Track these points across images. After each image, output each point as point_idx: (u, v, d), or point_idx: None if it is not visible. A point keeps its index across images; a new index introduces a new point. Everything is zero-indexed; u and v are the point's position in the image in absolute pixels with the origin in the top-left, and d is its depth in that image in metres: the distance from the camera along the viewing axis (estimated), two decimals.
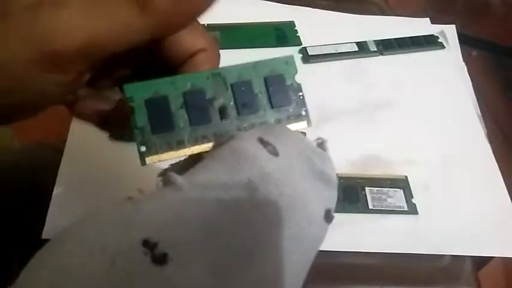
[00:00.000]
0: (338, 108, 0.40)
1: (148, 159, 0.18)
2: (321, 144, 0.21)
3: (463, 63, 0.46)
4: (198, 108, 0.19)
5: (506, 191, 0.36)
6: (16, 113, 0.19)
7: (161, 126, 0.18)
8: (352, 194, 0.34)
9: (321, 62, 0.43)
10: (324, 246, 0.32)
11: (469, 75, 0.45)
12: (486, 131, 0.40)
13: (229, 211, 0.17)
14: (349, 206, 0.34)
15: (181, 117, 0.18)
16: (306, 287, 0.30)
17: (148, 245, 0.16)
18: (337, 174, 0.32)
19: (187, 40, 0.20)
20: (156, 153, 0.18)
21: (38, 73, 0.17)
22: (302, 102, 0.21)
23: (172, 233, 0.16)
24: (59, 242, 0.17)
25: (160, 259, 0.16)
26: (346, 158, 0.36)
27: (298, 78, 0.21)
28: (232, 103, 0.19)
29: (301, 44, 0.44)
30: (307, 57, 0.43)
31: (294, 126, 0.21)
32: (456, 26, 0.48)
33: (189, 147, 0.18)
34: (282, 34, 0.45)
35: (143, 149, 0.18)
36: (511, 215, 0.35)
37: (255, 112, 0.19)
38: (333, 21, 0.47)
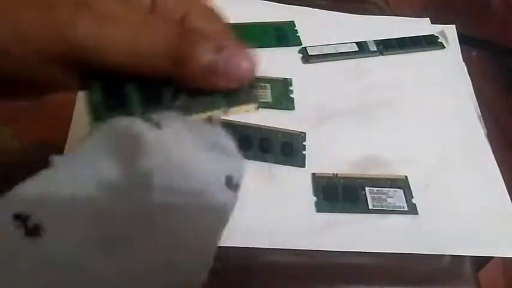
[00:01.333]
0: (338, 108, 0.40)
1: None
2: (209, 119, 0.20)
3: (463, 63, 0.46)
4: (150, 88, 0.19)
5: (506, 191, 0.36)
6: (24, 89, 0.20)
7: (114, 104, 0.18)
8: (352, 194, 0.34)
9: (321, 62, 0.43)
10: (324, 246, 0.32)
11: (469, 75, 0.45)
12: (486, 131, 0.40)
13: (106, 187, 0.17)
14: (349, 206, 0.34)
15: (134, 97, 0.19)
16: (306, 287, 0.30)
17: (20, 218, 0.15)
18: (337, 174, 0.32)
19: None
20: None
21: (51, 65, 0.17)
22: (251, 86, 0.20)
23: (46, 205, 0.16)
24: None
25: (33, 231, 0.15)
26: (346, 158, 0.36)
27: None
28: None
29: (301, 44, 0.44)
30: (307, 57, 0.43)
31: (243, 108, 0.20)
32: (456, 26, 0.48)
33: None
34: (282, 34, 0.45)
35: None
36: (511, 215, 0.35)
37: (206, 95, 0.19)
38: (333, 21, 0.47)
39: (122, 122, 0.18)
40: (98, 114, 0.18)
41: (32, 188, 0.17)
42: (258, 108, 0.20)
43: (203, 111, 0.19)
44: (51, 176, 0.17)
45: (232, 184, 0.19)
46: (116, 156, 0.17)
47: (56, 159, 0.17)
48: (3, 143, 0.38)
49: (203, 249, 0.18)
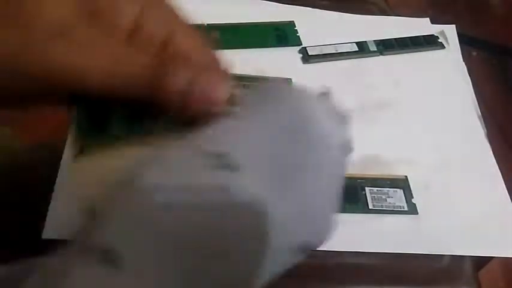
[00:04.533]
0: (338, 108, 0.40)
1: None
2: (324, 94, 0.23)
3: (463, 63, 0.46)
4: (133, 109, 0.19)
5: (506, 191, 0.36)
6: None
7: (98, 128, 0.19)
8: (352, 194, 0.34)
9: (321, 62, 0.43)
10: (324, 246, 0.32)
11: (469, 75, 0.45)
12: (486, 131, 0.40)
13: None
14: (349, 206, 0.34)
15: (118, 119, 0.19)
16: (306, 287, 0.30)
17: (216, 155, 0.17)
18: None
19: None
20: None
21: (31, 83, 0.18)
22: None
23: (239, 143, 0.18)
24: None
25: (229, 167, 0.17)
26: None
27: None
28: None
29: (301, 44, 0.44)
30: (307, 57, 0.43)
31: None
32: (456, 26, 0.48)
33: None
34: (282, 34, 0.45)
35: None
36: (511, 215, 0.35)
37: None
38: (333, 21, 0.47)
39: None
40: (83, 138, 0.19)
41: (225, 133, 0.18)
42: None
43: (176, 137, 0.19)
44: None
45: (345, 148, 0.23)
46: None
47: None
48: (3, 143, 0.38)
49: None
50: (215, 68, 0.20)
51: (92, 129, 0.19)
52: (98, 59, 0.18)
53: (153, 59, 0.18)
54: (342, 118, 0.23)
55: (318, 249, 0.32)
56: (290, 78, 0.41)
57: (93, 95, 0.18)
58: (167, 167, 0.17)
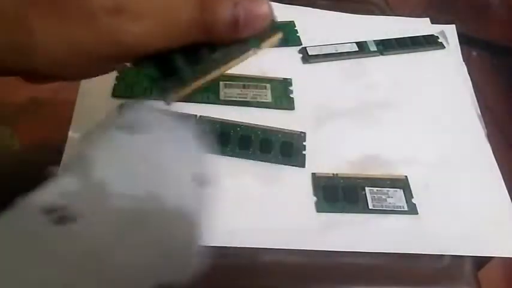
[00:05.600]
0: (338, 108, 0.40)
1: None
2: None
3: (463, 63, 0.46)
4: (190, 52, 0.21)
5: (506, 191, 0.36)
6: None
7: (168, 74, 0.21)
8: (352, 194, 0.34)
9: (321, 62, 0.43)
10: (324, 246, 0.32)
11: (469, 75, 0.45)
12: (486, 131, 0.40)
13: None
14: (349, 206, 0.34)
15: (181, 63, 0.22)
16: (306, 287, 0.30)
17: (52, 209, 0.17)
18: (337, 174, 0.33)
19: None
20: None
21: (102, 63, 0.20)
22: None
23: (76, 197, 0.18)
24: None
25: (63, 220, 0.17)
26: (346, 158, 0.36)
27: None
28: None
29: (301, 44, 0.44)
30: (307, 57, 0.43)
31: (271, 42, 0.23)
32: (456, 26, 0.48)
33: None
34: None
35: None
36: (511, 215, 0.35)
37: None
38: (333, 21, 0.47)
39: (99, 131, 0.20)
40: (159, 86, 0.21)
41: (62, 183, 0.19)
42: (283, 35, 0.23)
43: (238, 56, 0.22)
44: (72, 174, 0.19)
45: (201, 181, 0.20)
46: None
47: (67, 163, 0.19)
48: (3, 143, 0.38)
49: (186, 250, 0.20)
50: None
51: (163, 77, 0.21)
52: (154, 21, 0.19)
53: (194, 1, 0.20)
54: (199, 148, 0.22)
55: (317, 249, 0.32)
56: (290, 78, 0.41)
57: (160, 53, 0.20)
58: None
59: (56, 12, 0.18)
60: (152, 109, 0.22)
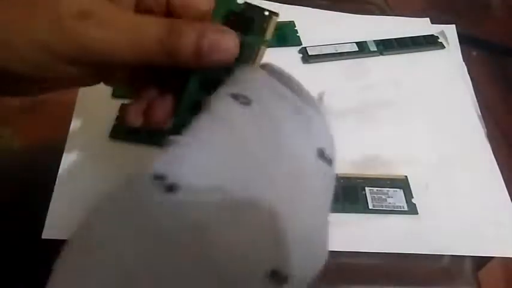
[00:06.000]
0: (338, 108, 0.40)
1: None
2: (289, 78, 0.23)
3: (463, 63, 0.46)
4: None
5: (506, 191, 0.36)
6: (41, 85, 0.22)
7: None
8: (352, 194, 0.34)
9: (321, 62, 0.43)
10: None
11: (469, 75, 0.45)
12: (486, 131, 0.40)
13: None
14: (349, 206, 0.34)
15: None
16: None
17: (159, 178, 0.17)
18: (337, 174, 0.32)
19: None
20: None
21: (68, 66, 0.20)
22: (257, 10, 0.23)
23: (182, 167, 0.18)
24: None
25: (170, 188, 0.17)
26: (346, 158, 0.36)
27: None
28: None
29: (301, 44, 0.44)
30: (307, 57, 0.43)
31: (272, 27, 0.24)
32: (456, 26, 0.48)
33: None
34: (282, 34, 0.45)
35: None
36: (511, 215, 0.35)
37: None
38: (333, 21, 0.47)
39: (218, 104, 0.20)
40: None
41: (169, 153, 0.19)
42: (278, 15, 0.24)
43: (251, 58, 0.23)
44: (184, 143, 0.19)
45: (324, 157, 0.21)
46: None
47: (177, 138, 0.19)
48: (3, 143, 0.38)
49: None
50: (214, 25, 0.21)
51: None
52: (119, 33, 0.20)
53: (163, 24, 0.20)
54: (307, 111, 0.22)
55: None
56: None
57: (123, 65, 0.20)
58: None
59: (23, 8, 0.19)
60: (268, 75, 0.22)
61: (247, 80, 0.22)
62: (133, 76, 0.24)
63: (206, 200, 0.18)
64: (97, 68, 0.21)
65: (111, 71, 0.23)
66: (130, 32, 0.20)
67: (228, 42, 0.21)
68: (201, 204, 0.17)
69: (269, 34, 0.23)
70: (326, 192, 0.21)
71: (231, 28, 0.21)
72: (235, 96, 0.20)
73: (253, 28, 0.22)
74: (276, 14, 0.23)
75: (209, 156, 0.19)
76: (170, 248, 0.17)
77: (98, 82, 0.24)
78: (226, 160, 0.19)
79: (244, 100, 0.20)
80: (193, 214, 0.17)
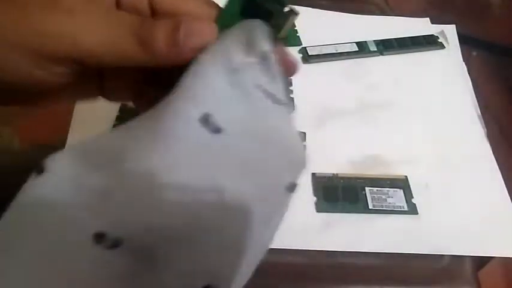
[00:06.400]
0: (338, 108, 0.40)
1: None
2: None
3: (463, 63, 0.46)
4: None
5: (506, 191, 0.36)
6: (13, 94, 0.21)
7: None
8: (352, 194, 0.34)
9: (321, 62, 0.43)
10: (324, 246, 0.32)
11: (469, 75, 0.45)
12: (486, 131, 0.40)
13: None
14: (349, 206, 0.34)
15: None
16: (306, 287, 0.30)
17: (204, 119, 0.18)
18: (337, 174, 0.33)
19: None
20: None
21: (31, 63, 0.19)
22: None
23: (224, 108, 0.18)
24: None
25: (216, 129, 0.18)
26: (346, 158, 0.36)
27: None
28: None
29: (301, 44, 0.44)
30: (307, 57, 0.43)
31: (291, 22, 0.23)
32: (456, 26, 0.48)
33: None
34: None
35: None
36: (511, 215, 0.35)
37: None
38: (333, 21, 0.47)
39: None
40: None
41: (210, 93, 0.18)
42: (298, 13, 0.23)
43: None
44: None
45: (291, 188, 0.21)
46: None
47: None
48: (3, 143, 0.38)
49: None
50: (191, 19, 0.20)
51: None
52: (89, 23, 0.19)
53: (136, 19, 0.19)
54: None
55: (317, 249, 0.32)
56: (290, 78, 0.41)
57: (90, 62, 0.19)
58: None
59: None
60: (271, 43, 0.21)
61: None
62: (131, 82, 0.23)
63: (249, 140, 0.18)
64: (87, 76, 0.20)
65: (105, 78, 0.23)
66: (100, 25, 0.19)
67: (203, 26, 0.20)
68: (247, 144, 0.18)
69: (284, 32, 0.22)
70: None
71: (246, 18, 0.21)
72: (203, 121, 0.19)
73: (270, 22, 0.22)
74: (296, 13, 0.22)
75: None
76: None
77: (95, 95, 0.23)
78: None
79: (213, 127, 0.19)
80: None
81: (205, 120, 0.18)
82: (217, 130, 0.18)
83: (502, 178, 0.37)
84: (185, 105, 0.18)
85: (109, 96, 0.23)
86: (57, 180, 0.18)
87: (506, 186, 0.36)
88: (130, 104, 0.24)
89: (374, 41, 0.45)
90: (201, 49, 0.20)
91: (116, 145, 0.18)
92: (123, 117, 0.37)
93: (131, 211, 0.17)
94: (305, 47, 0.44)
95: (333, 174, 0.35)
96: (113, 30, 0.19)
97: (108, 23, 0.19)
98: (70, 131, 0.35)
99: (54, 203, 0.17)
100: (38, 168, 0.18)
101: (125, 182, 0.17)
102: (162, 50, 0.19)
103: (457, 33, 0.47)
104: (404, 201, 0.34)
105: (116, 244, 0.17)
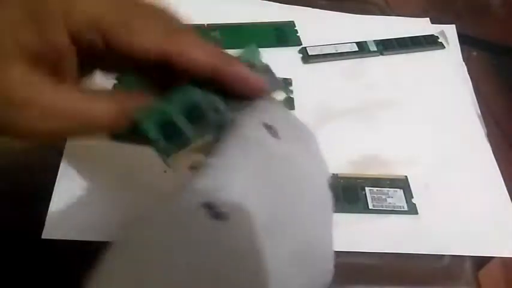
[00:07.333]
0: (338, 108, 0.40)
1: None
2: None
3: (463, 63, 0.46)
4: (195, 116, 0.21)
5: (506, 191, 0.36)
6: None
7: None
8: (352, 194, 0.34)
9: (321, 62, 0.43)
10: None
11: (469, 75, 0.45)
12: (486, 131, 0.40)
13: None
14: (349, 206, 0.34)
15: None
16: None
17: (208, 206, 0.18)
18: (337, 174, 0.33)
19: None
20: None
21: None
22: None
23: (229, 196, 0.18)
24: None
25: (219, 216, 0.18)
26: (346, 158, 0.36)
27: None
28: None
29: (301, 44, 0.44)
30: (307, 57, 0.43)
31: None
32: (456, 26, 0.48)
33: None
34: (282, 34, 0.45)
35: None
36: (511, 215, 0.35)
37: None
38: (333, 21, 0.47)
39: (248, 132, 0.20)
40: (159, 148, 0.20)
41: (210, 177, 0.19)
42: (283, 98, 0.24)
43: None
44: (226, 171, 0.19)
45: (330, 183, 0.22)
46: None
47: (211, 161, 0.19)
48: (3, 143, 0.38)
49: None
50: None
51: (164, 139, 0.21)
52: (63, 120, 0.18)
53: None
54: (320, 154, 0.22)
55: None
56: (290, 78, 0.41)
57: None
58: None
59: None
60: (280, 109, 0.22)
61: (271, 110, 0.22)
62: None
63: (250, 229, 0.18)
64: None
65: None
66: (77, 119, 0.19)
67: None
68: (246, 233, 0.18)
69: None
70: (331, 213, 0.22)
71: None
72: (267, 127, 0.20)
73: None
74: (281, 93, 0.23)
75: (249, 183, 0.19)
76: (216, 276, 0.17)
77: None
78: (261, 188, 0.19)
79: (274, 132, 0.20)
80: (239, 242, 0.18)
81: None
82: None
83: (502, 178, 0.37)
84: None
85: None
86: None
87: (506, 186, 0.36)
88: None
89: (374, 41, 0.45)
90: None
91: None
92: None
93: None
94: (305, 47, 0.44)
95: (333, 174, 0.35)
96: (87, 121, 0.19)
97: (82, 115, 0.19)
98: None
99: None
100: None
101: None
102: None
103: (457, 33, 0.47)
104: (404, 201, 0.34)
105: None
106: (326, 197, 0.21)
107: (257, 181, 0.19)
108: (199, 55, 0.20)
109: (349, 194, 0.34)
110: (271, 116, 0.21)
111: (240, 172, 0.19)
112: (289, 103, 0.39)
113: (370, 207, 0.34)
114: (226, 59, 0.21)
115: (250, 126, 0.20)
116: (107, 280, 0.16)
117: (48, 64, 0.18)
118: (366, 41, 0.45)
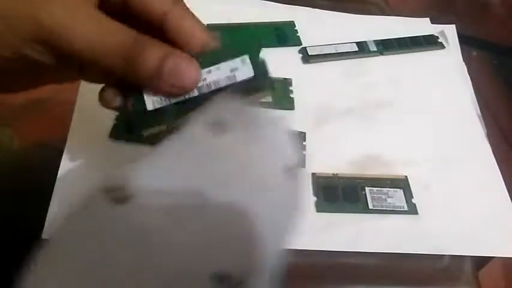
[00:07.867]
0: (338, 108, 0.40)
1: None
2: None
3: (463, 63, 0.46)
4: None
5: (506, 191, 0.36)
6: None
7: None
8: (352, 194, 0.34)
9: (321, 62, 0.43)
10: (324, 246, 0.32)
11: (469, 75, 0.45)
12: (486, 131, 0.40)
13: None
14: (349, 206, 0.34)
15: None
16: (306, 287, 0.30)
17: (112, 189, 0.19)
18: (337, 174, 0.33)
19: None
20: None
21: (26, 44, 0.19)
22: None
23: (136, 178, 0.19)
24: None
25: (122, 199, 0.18)
26: (346, 158, 0.36)
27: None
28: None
29: (301, 44, 0.44)
30: (307, 57, 0.43)
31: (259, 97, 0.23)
32: (456, 26, 0.48)
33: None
34: (282, 34, 0.45)
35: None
36: (511, 215, 0.35)
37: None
38: (333, 21, 0.47)
39: (191, 130, 0.20)
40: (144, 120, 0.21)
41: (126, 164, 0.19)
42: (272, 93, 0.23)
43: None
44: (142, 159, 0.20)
45: (291, 173, 0.21)
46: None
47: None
48: (3, 143, 0.38)
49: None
50: (182, 55, 0.21)
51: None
52: (86, 23, 0.19)
53: (131, 33, 0.20)
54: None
55: (317, 249, 0.32)
56: (290, 78, 0.41)
57: (79, 59, 0.20)
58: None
59: None
60: (237, 105, 0.22)
61: (226, 107, 0.22)
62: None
63: (154, 208, 0.19)
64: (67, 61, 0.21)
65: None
66: (96, 25, 0.19)
67: (190, 70, 0.20)
68: (148, 212, 0.18)
69: (253, 98, 0.23)
70: (291, 201, 0.22)
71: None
72: (214, 124, 0.20)
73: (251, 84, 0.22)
74: (271, 89, 0.23)
75: (165, 166, 0.19)
76: (121, 253, 0.18)
77: (76, 78, 0.24)
78: (182, 171, 0.20)
79: (219, 128, 0.20)
80: (141, 220, 0.18)
81: None
82: None
83: (502, 178, 0.37)
84: None
85: (88, 79, 0.24)
86: None
87: (506, 186, 0.36)
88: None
89: (374, 41, 0.45)
90: (181, 89, 0.20)
91: None
92: (123, 117, 0.37)
93: None
94: (305, 47, 0.44)
95: (333, 174, 0.35)
96: (103, 35, 0.19)
97: (100, 27, 0.19)
98: (70, 131, 0.35)
99: None
100: None
101: None
102: (145, 76, 0.20)
103: (457, 33, 0.47)
104: (404, 201, 0.34)
105: None
106: (273, 182, 0.21)
107: (176, 171, 0.19)
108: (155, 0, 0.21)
109: (349, 194, 0.34)
110: (225, 112, 0.21)
111: (158, 162, 0.20)
112: (289, 103, 0.39)
113: (370, 207, 0.34)
114: (181, 12, 0.21)
115: (192, 126, 0.21)
116: (39, 276, 0.18)
117: None
118: (366, 41, 0.45)
